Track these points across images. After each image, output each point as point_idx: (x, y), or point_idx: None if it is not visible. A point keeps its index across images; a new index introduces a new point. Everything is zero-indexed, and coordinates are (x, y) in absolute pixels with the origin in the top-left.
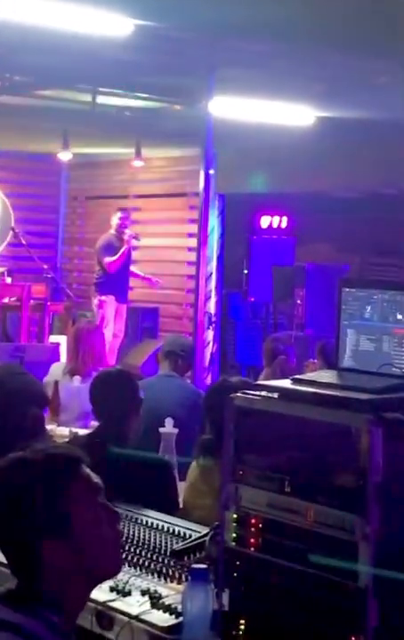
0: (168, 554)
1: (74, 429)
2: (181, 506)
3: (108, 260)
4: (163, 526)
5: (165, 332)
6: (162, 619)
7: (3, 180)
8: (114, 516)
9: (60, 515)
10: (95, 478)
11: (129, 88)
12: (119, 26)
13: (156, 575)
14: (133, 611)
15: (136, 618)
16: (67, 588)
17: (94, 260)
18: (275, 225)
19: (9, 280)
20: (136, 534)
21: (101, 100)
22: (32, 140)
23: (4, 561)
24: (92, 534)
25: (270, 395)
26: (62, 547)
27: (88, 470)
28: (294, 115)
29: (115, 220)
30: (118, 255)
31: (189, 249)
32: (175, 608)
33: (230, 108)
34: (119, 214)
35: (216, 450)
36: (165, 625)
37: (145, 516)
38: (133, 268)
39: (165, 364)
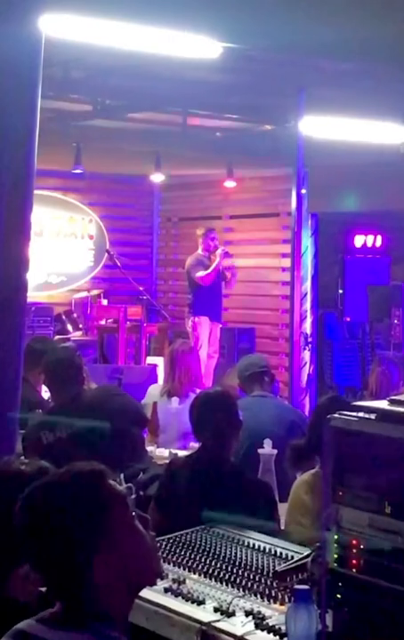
0: (271, 575)
1: (173, 450)
2: (282, 527)
3: (200, 274)
4: (265, 547)
5: (262, 353)
6: (267, 639)
7: (97, 203)
8: (144, 521)
9: (97, 528)
10: (120, 488)
11: (219, 109)
12: (208, 48)
13: (259, 596)
14: (238, 631)
15: (241, 638)
16: (112, 600)
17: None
18: (369, 244)
19: (105, 302)
20: (238, 555)
21: (191, 121)
22: (125, 163)
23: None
24: (130, 542)
25: (367, 416)
26: (104, 559)
27: (112, 481)
28: (384, 132)
29: (201, 242)
30: (211, 269)
31: (284, 269)
32: (279, 629)
33: (321, 127)
34: (203, 237)
35: (305, 457)
36: None
37: (247, 537)
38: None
39: (255, 387)
